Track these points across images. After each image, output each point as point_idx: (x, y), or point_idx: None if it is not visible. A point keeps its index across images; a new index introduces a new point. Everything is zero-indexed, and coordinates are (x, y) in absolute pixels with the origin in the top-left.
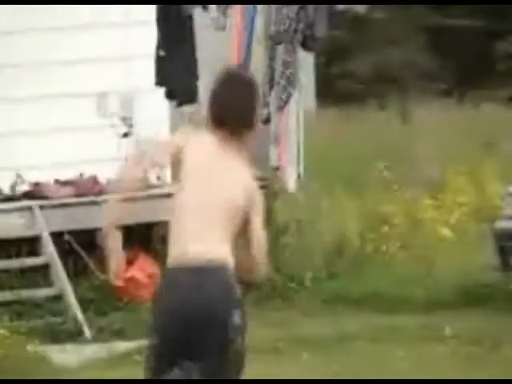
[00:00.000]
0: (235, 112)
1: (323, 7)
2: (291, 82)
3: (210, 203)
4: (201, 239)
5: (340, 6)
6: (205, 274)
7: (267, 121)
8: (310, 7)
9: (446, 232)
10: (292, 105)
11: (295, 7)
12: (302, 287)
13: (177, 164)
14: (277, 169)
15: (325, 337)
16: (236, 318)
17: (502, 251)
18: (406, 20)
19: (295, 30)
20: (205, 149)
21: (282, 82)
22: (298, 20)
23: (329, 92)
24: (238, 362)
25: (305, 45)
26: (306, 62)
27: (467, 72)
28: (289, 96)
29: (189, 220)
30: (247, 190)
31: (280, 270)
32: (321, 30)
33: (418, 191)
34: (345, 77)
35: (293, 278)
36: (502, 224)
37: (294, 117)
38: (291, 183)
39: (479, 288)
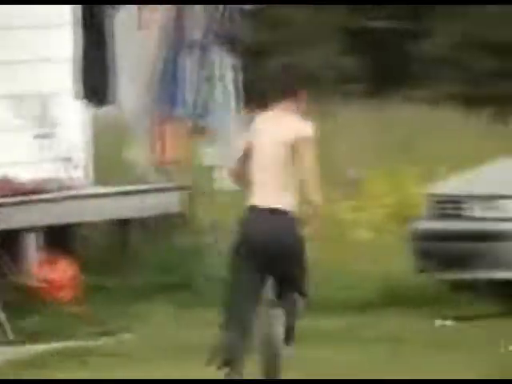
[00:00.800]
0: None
1: (236, 7)
2: (212, 84)
3: (272, 159)
4: (267, 189)
5: (256, 6)
6: (273, 216)
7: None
8: (222, 7)
9: (366, 234)
10: (225, 106)
11: (211, 8)
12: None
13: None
14: (212, 168)
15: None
16: (296, 249)
17: (423, 252)
18: (326, 21)
19: (212, 33)
20: (264, 124)
21: (203, 84)
22: (212, 22)
23: (249, 95)
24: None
25: (224, 47)
26: (225, 64)
27: (387, 73)
28: (211, 97)
29: (259, 175)
30: (297, 133)
31: (203, 272)
32: (237, 30)
33: (339, 192)
34: (265, 79)
35: (215, 279)
36: (422, 225)
37: (229, 118)
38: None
39: (400, 289)
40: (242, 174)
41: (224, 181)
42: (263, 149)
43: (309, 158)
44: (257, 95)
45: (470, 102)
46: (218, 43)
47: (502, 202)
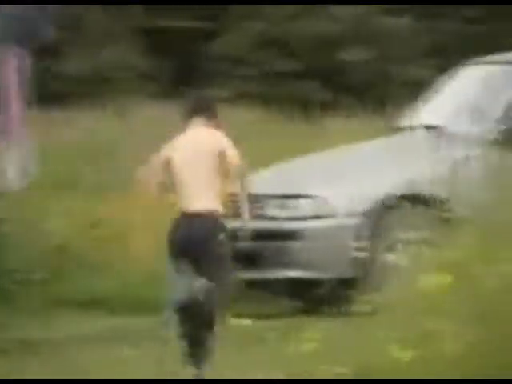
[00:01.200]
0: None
1: (46, 7)
2: (5, 84)
3: (197, 168)
4: (195, 195)
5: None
6: (199, 217)
7: None
8: (30, 7)
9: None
10: (16, 106)
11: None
12: (26, 289)
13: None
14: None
15: (53, 339)
16: (220, 237)
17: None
18: (121, 20)
19: (4, 32)
20: (185, 139)
21: None
22: (4, 21)
23: (45, 94)
24: (225, 265)
25: (17, 46)
26: (23, 65)
27: (183, 72)
28: (4, 97)
29: (186, 183)
30: (218, 144)
31: (2, 272)
32: (31, 30)
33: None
34: (60, 77)
35: (16, 280)
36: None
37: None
38: (16, 183)
39: None
40: (161, 185)
41: (11, 181)
42: (190, 161)
43: (235, 157)
44: None
45: (268, 101)
46: (10, 43)
47: (294, 201)
